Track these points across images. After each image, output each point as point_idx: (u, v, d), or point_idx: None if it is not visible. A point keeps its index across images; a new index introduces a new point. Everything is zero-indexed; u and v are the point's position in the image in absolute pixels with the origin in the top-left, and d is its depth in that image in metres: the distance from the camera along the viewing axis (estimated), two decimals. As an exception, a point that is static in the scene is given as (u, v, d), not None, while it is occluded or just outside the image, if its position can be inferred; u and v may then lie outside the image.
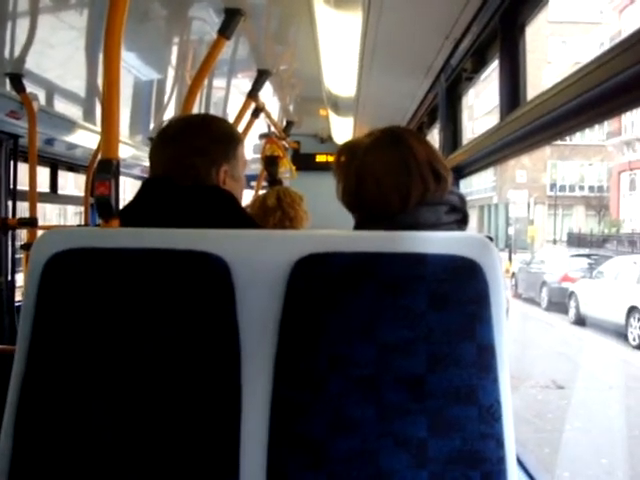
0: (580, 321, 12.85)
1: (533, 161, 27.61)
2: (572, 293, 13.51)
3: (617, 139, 23.44)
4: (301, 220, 3.04)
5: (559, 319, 13.59)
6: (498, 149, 2.45)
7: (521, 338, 11.18)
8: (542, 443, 6.65)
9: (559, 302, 14.23)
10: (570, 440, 6.83)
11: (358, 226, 1.64)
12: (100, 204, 1.76)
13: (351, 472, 1.25)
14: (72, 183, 6.98)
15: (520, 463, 2.62)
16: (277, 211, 2.90)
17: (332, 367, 1.27)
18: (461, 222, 1.61)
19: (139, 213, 1.65)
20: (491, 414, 1.27)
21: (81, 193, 5.73)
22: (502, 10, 2.44)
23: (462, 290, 1.29)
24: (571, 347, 11.28)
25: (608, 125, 23.76)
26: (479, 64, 3.02)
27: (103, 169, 1.74)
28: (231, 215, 1.63)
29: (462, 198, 1.63)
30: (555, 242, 25.48)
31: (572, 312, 13.31)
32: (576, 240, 22.67)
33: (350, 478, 1.25)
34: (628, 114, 21.03)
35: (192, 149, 1.68)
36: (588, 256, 16.49)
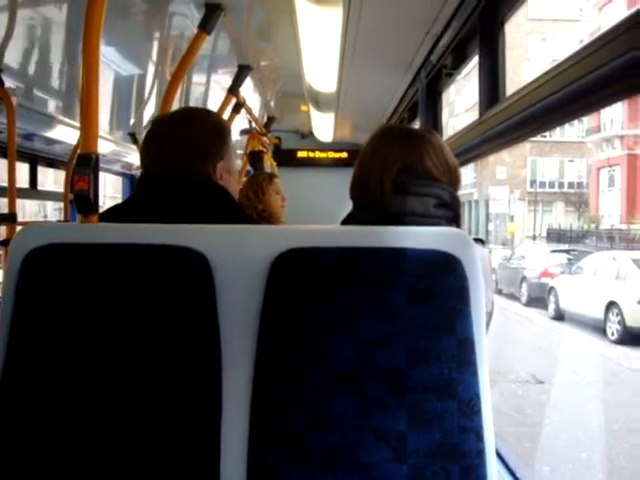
0: (559, 316, 12.96)
1: (513, 158, 27.75)
2: (552, 288, 13.62)
3: (596, 136, 23.59)
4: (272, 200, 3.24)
5: (538, 314, 13.69)
6: (477, 145, 2.47)
7: (501, 333, 11.21)
8: (522, 437, 6.70)
9: (539, 297, 14.33)
10: (550, 434, 6.89)
11: (352, 211, 1.69)
12: (79, 199, 1.75)
13: (332, 466, 1.25)
14: (51, 179, 6.93)
15: (499, 456, 2.64)
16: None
17: (312, 362, 1.27)
18: (452, 220, 1.62)
19: (134, 210, 1.65)
20: (470, 408, 1.28)
21: (60, 189, 5.70)
22: (481, 7, 2.46)
23: (442, 284, 1.30)
24: (551, 342, 11.36)
25: (588, 122, 23.93)
26: (459, 60, 3.04)
27: (82, 164, 1.73)
28: (224, 210, 1.64)
29: (453, 195, 1.65)
30: (535, 238, 25.61)
31: (552, 307, 13.43)
32: (556, 236, 22.80)
33: (331, 472, 1.25)
34: (607, 112, 21.19)
35: (191, 147, 1.66)
36: (567, 252, 16.60)
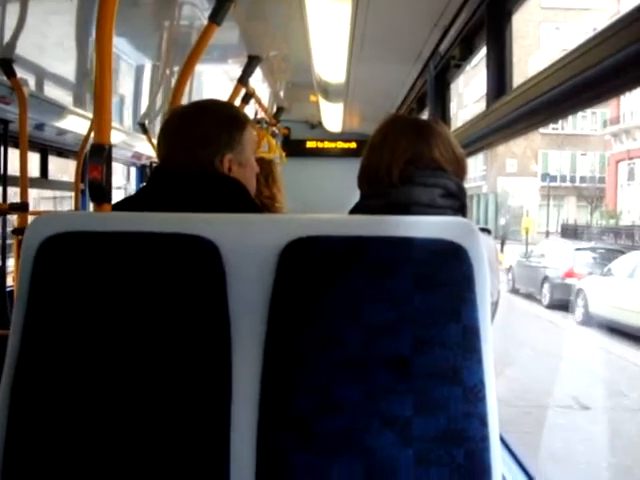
0: (589, 321, 11.44)
1: (524, 150, 27.53)
2: (580, 290, 12.12)
3: (616, 127, 22.90)
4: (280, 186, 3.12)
5: (563, 318, 12.32)
6: (485, 135, 2.47)
7: (527, 341, 9.95)
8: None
9: (562, 299, 12.89)
10: (601, 477, 5.83)
11: (359, 201, 1.71)
12: (93, 188, 1.78)
13: (339, 450, 1.27)
14: (56, 168, 6.93)
15: (504, 443, 2.66)
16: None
17: (320, 348, 1.29)
18: (458, 210, 1.64)
19: (145, 202, 1.64)
20: (475, 394, 1.30)
21: (66, 178, 5.74)
22: (489, -1, 2.47)
23: (447, 272, 1.32)
24: (586, 353, 10.00)
25: (603, 114, 23.53)
26: (467, 52, 3.04)
27: (96, 154, 1.76)
28: (238, 203, 1.61)
29: (460, 186, 1.66)
30: (547, 234, 25.03)
31: (580, 311, 11.90)
32: (572, 232, 22.00)
33: (338, 455, 1.28)
34: (627, 102, 20.74)
35: (194, 139, 1.64)
36: (593, 250, 15.07)
